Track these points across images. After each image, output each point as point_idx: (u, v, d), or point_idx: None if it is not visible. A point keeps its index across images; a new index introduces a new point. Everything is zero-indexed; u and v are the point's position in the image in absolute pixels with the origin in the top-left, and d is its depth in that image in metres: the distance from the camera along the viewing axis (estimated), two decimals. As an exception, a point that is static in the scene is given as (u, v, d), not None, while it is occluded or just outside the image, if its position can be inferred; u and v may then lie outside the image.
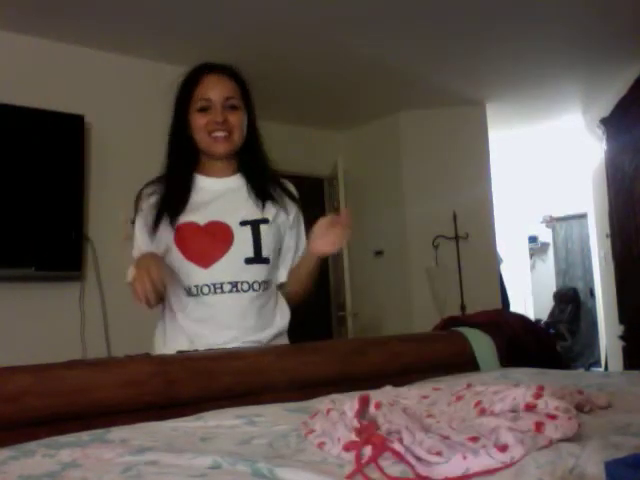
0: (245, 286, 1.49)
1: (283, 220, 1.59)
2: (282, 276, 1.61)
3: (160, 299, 1.49)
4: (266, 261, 1.53)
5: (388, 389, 1.19)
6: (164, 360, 1.33)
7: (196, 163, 1.58)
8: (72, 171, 3.28)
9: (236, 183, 1.59)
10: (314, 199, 5.22)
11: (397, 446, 0.75)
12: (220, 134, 1.52)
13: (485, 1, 3.24)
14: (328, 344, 1.85)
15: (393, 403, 1.00)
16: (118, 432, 1.01)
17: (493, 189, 4.93)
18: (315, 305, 4.56)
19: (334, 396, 1.23)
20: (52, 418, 1.12)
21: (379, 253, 4.98)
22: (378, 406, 0.97)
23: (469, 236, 4.74)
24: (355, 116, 4.99)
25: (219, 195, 1.56)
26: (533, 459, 0.70)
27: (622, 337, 4.24)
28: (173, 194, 1.53)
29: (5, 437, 0.98)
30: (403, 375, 1.53)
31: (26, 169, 3.14)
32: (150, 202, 1.56)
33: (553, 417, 0.80)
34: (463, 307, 4.64)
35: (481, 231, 4.81)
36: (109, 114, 3.49)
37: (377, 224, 4.98)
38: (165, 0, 3.07)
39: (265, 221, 1.53)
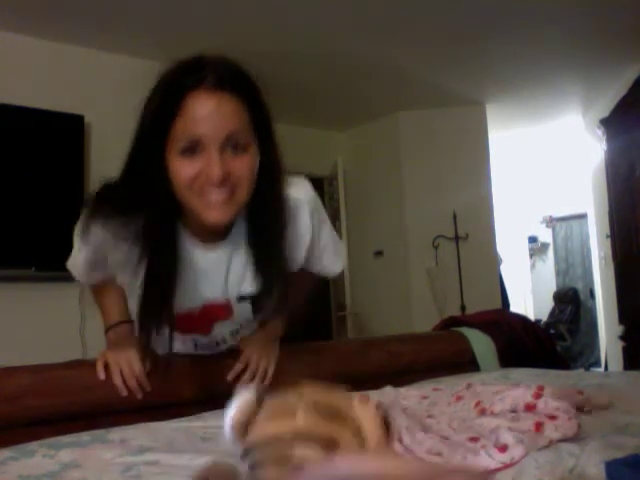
0: (246, 331, 1.35)
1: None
2: None
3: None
4: None
5: (388, 389, 1.19)
6: (164, 360, 1.33)
7: (178, 213, 1.09)
8: (72, 171, 3.28)
9: (234, 243, 1.14)
10: (314, 199, 5.22)
11: (397, 446, 0.75)
12: (218, 196, 0.99)
13: (485, 2, 3.24)
14: (328, 344, 1.85)
15: (393, 404, 1.00)
16: (118, 432, 1.01)
17: (493, 189, 4.93)
18: (315, 305, 4.57)
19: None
20: (52, 418, 1.12)
21: (379, 253, 4.98)
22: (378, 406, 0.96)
23: (469, 236, 4.74)
24: (355, 116, 4.99)
25: (213, 268, 1.15)
26: (533, 459, 0.70)
27: (622, 337, 4.24)
28: (159, 279, 1.07)
29: (5, 437, 0.98)
30: (403, 375, 1.53)
31: (26, 169, 3.14)
32: (118, 256, 1.11)
33: (553, 417, 0.80)
34: (463, 307, 4.63)
35: (481, 231, 4.81)
36: (109, 114, 3.49)
37: (377, 224, 4.98)
38: (165, 0, 3.07)
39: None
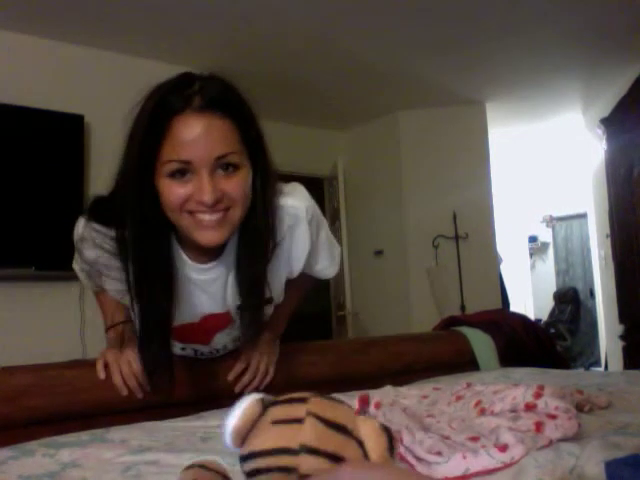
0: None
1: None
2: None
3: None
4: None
5: (388, 389, 1.19)
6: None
7: (172, 231, 1.08)
8: (72, 171, 3.27)
9: (230, 257, 1.11)
10: (314, 199, 5.22)
11: (397, 446, 0.74)
12: (210, 217, 0.98)
13: (485, 1, 3.24)
14: (328, 344, 1.85)
15: (393, 403, 1.00)
16: (118, 432, 1.01)
17: (493, 189, 4.92)
18: (315, 305, 4.57)
19: (334, 396, 1.23)
20: (52, 418, 1.12)
21: (379, 253, 4.98)
22: (378, 406, 0.97)
23: (469, 236, 4.74)
24: (355, 116, 4.99)
25: (210, 284, 1.14)
26: (533, 459, 0.70)
27: (622, 337, 4.24)
28: (157, 297, 1.06)
29: (5, 437, 0.98)
30: (403, 375, 1.53)
31: (26, 169, 3.14)
32: (112, 272, 1.12)
33: (553, 417, 0.80)
34: (463, 307, 4.63)
35: (481, 231, 4.81)
36: (109, 114, 3.49)
37: (377, 224, 4.98)
38: (165, 0, 3.07)
39: (269, 301, 1.18)
